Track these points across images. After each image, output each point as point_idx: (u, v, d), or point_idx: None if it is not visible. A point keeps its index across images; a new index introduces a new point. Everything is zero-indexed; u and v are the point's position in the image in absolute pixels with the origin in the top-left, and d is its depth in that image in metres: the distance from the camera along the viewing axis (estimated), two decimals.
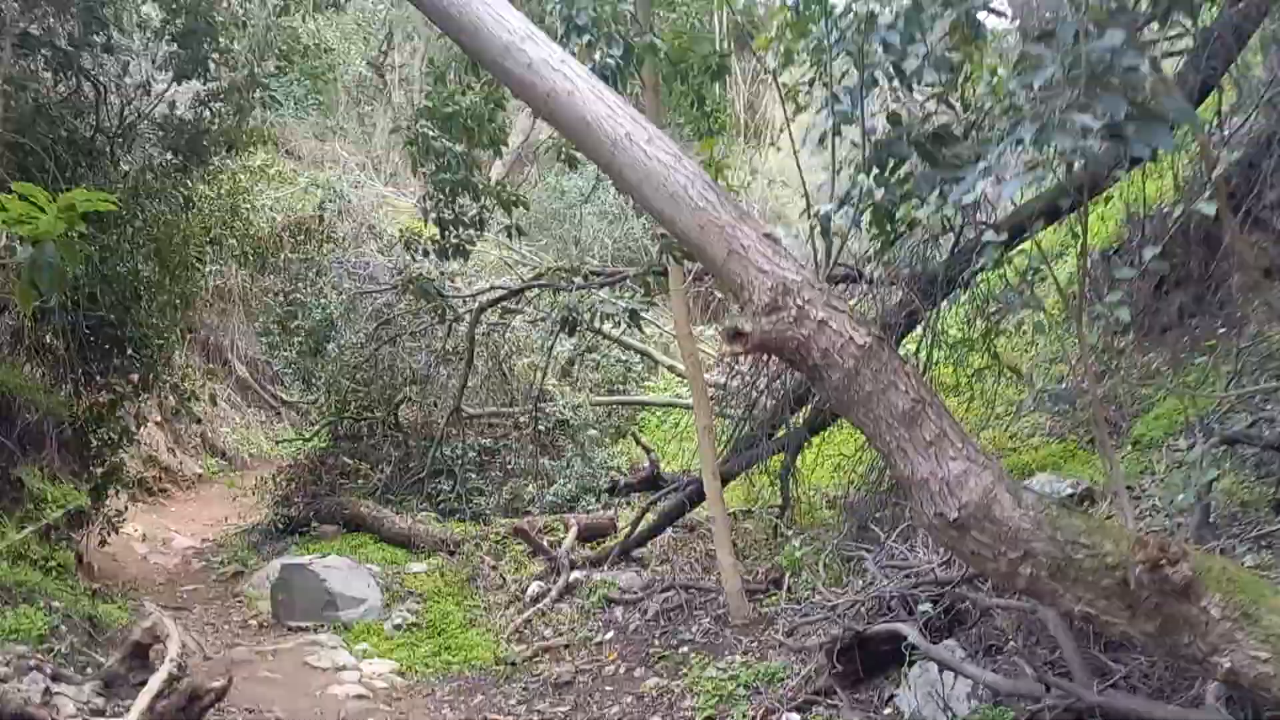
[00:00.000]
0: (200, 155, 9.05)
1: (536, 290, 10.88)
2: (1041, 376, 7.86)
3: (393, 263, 12.29)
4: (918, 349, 6.62)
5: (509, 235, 8.75)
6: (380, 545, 9.60)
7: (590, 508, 10.16)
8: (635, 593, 7.51)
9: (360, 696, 6.32)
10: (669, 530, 8.42)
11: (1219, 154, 3.81)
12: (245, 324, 15.33)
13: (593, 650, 6.83)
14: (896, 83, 3.47)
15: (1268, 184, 5.78)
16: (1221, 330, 6.27)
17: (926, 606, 4.75)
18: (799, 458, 7.80)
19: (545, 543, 8.62)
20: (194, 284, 9.79)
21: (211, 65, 8.69)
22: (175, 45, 8.51)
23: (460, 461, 10.91)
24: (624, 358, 13.84)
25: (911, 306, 6.15)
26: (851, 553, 6.19)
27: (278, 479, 11.32)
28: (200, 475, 13.73)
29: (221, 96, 9.11)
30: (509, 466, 11.25)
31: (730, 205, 3.29)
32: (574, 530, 8.95)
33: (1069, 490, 5.56)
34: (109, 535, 8.69)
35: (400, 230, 10.49)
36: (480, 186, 7.95)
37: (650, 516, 8.45)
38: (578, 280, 9.17)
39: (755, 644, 6.10)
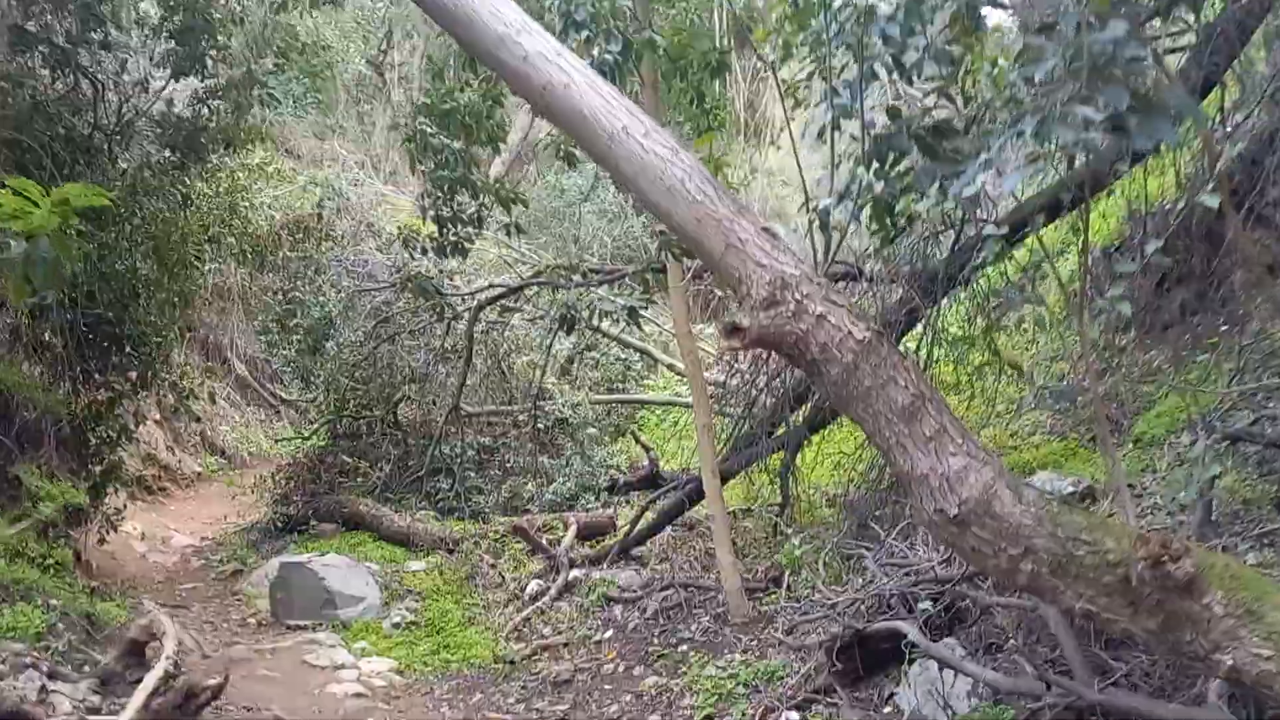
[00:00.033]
0: (198, 153, 9.03)
1: (535, 288, 10.86)
2: (1042, 374, 7.83)
3: (391, 261, 12.27)
4: (918, 347, 6.59)
5: (508, 233, 8.73)
6: (379, 544, 9.58)
7: (589, 506, 10.13)
8: (634, 591, 7.49)
9: (359, 695, 6.30)
10: (668, 528, 8.40)
11: (1222, 148, 3.78)
12: (244, 322, 15.31)
13: (592, 648, 6.81)
14: (896, 76, 3.44)
15: (1270, 180, 5.74)
16: (1224, 327, 6.24)
17: (926, 604, 4.72)
18: (799, 456, 7.78)
19: (544, 541, 8.60)
20: (192, 282, 9.77)
21: (209, 62, 8.69)
22: (173, 42, 8.50)
23: (459, 460, 10.89)
24: (623, 356, 13.81)
25: (912, 304, 6.12)
26: (851, 551, 6.17)
27: (277, 477, 11.31)
28: (199, 473, 13.72)
29: (219, 94, 9.09)
30: (508, 465, 11.23)
31: (728, 199, 3.27)
32: (573, 529, 8.93)
33: (1070, 488, 5.53)
34: (108, 533, 8.67)
35: (398, 228, 10.46)
36: (479, 184, 7.92)
37: (649, 515, 8.44)
38: (576, 278, 9.14)
39: (755, 642, 6.08)
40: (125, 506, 9.13)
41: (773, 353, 5.34)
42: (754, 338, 3.09)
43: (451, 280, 11.67)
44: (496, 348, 12.01)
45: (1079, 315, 3.97)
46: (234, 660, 6.48)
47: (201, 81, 8.93)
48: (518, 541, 8.86)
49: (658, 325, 13.91)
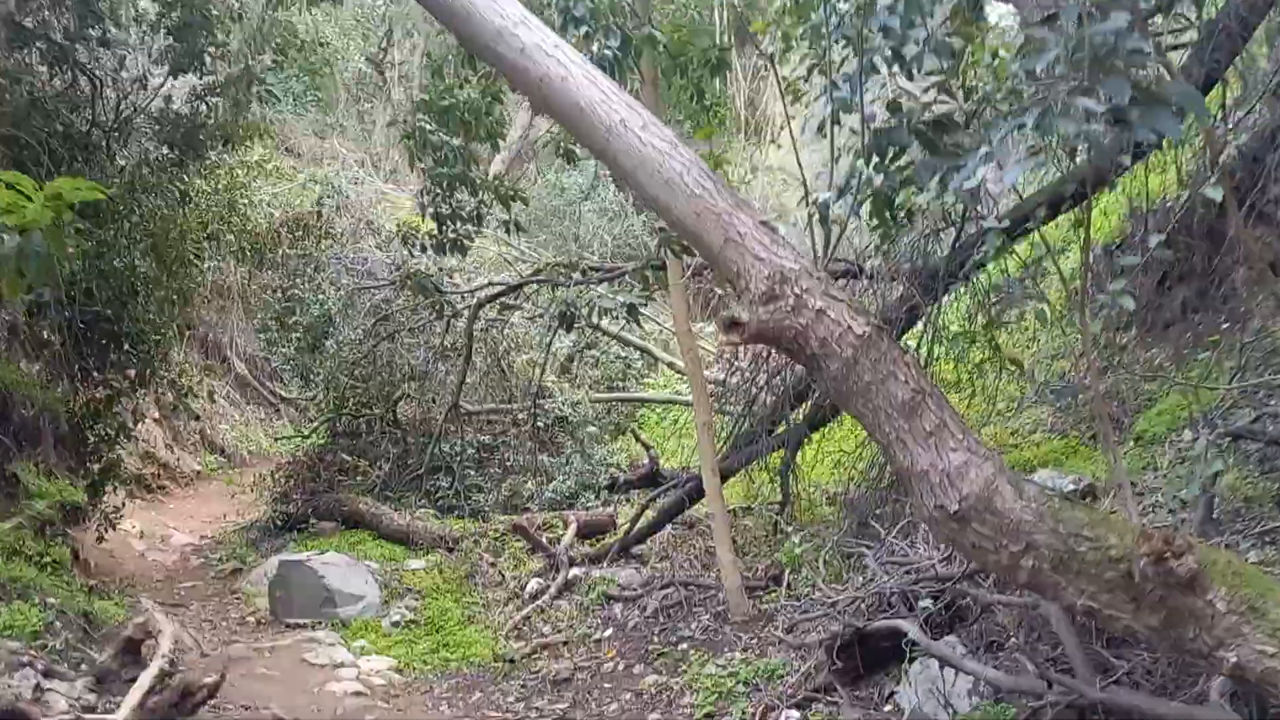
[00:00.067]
0: (197, 150, 9.02)
1: (535, 286, 10.84)
2: (1043, 371, 7.81)
3: (391, 258, 12.25)
4: (919, 344, 6.57)
5: (507, 231, 8.70)
6: (379, 542, 9.55)
7: (589, 504, 10.10)
8: (634, 589, 7.46)
9: (358, 693, 6.28)
10: (668, 527, 8.37)
11: (1224, 142, 3.75)
12: (243, 320, 15.30)
13: (591, 647, 6.79)
14: (896, 69, 3.42)
15: (1272, 178, 5.72)
16: (1225, 325, 6.22)
17: (927, 603, 4.70)
18: (799, 454, 7.76)
19: (544, 539, 8.58)
20: (191, 279, 9.76)
21: (208, 59, 8.67)
22: (171, 39, 8.47)
23: (459, 458, 10.87)
24: (623, 354, 13.79)
25: (912, 301, 6.10)
26: (852, 549, 6.15)
27: (276, 476, 11.28)
28: (199, 472, 13.70)
29: (218, 91, 9.07)
30: (508, 463, 11.21)
31: (727, 192, 3.24)
32: (573, 527, 8.90)
33: (1071, 486, 5.50)
34: (106, 531, 8.66)
35: (398, 225, 10.44)
36: (478, 181, 7.90)
37: (650, 513, 8.41)
38: (576, 276, 9.12)
39: (755, 641, 6.07)
40: (124, 505, 9.12)
41: (772, 349, 5.32)
42: (753, 332, 3.06)
43: (451, 278, 11.64)
44: (496, 346, 11.99)
45: (1080, 312, 3.95)
46: (233, 658, 6.46)
47: (200, 78, 8.91)
48: (517, 540, 8.84)
49: (658, 323, 13.89)
